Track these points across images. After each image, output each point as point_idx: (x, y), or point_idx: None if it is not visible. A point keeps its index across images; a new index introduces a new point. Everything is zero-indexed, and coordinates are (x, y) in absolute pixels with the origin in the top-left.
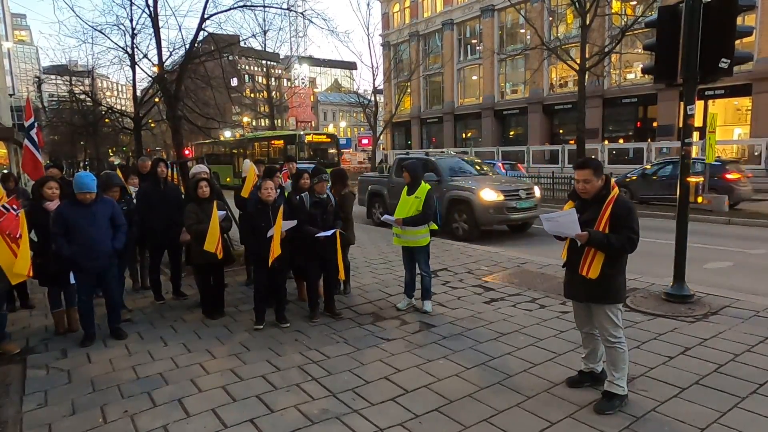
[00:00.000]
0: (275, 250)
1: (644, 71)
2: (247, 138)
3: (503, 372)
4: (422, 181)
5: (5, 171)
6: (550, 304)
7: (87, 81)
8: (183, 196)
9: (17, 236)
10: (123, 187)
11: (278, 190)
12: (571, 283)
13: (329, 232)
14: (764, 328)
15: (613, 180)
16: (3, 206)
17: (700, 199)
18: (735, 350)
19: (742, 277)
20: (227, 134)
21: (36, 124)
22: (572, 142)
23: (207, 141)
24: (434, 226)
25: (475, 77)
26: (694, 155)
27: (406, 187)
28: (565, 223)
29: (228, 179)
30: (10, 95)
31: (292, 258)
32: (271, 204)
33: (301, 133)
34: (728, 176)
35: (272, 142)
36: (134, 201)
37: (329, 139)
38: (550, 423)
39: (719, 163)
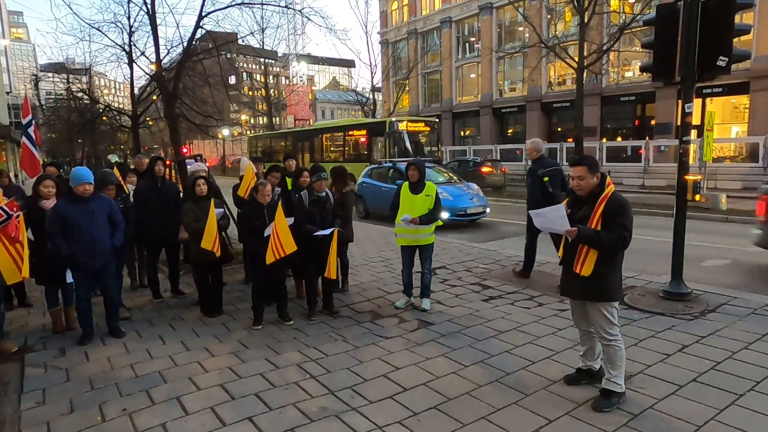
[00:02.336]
0: (289, 246)
1: (642, 69)
2: (315, 128)
3: (501, 370)
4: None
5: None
6: (549, 302)
7: (84, 79)
8: (181, 194)
9: (16, 238)
10: (119, 185)
11: (277, 190)
12: (566, 280)
13: (327, 231)
14: (761, 325)
15: (609, 178)
16: (2, 208)
17: (698, 198)
18: (732, 348)
19: (740, 274)
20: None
21: (33, 122)
22: (570, 140)
23: (263, 134)
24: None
25: (473, 75)
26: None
27: (406, 187)
28: (553, 218)
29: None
30: (7, 93)
31: (290, 256)
32: (266, 204)
33: (394, 120)
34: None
35: (350, 133)
36: (131, 199)
37: (428, 128)
38: (548, 420)
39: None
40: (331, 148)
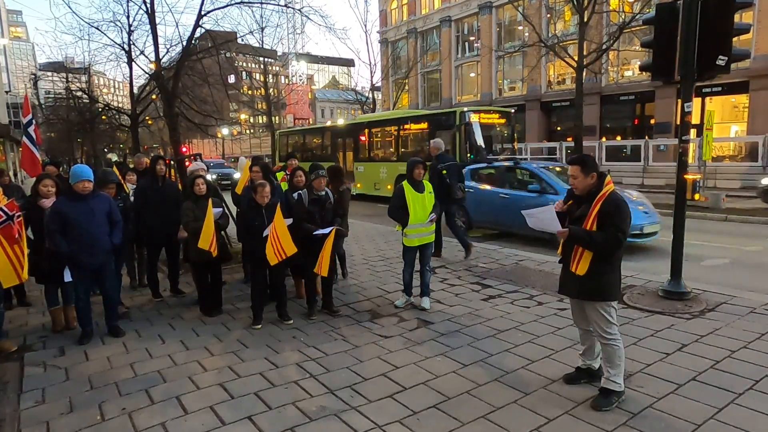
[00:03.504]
0: (289, 247)
1: (642, 68)
2: (359, 122)
3: (501, 369)
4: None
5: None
6: (548, 301)
7: (83, 78)
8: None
9: (16, 240)
10: (119, 184)
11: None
12: (564, 279)
13: (327, 230)
14: (760, 324)
15: (608, 177)
16: (1, 209)
17: (697, 197)
18: (731, 347)
19: (739, 273)
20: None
21: (33, 121)
22: (570, 139)
23: (296, 129)
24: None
25: (473, 74)
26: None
27: (409, 187)
28: (544, 219)
29: None
30: (6, 92)
31: (291, 256)
32: (265, 204)
33: (466, 110)
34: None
35: (405, 126)
36: (131, 198)
37: (503, 119)
38: (548, 419)
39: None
40: (380, 145)
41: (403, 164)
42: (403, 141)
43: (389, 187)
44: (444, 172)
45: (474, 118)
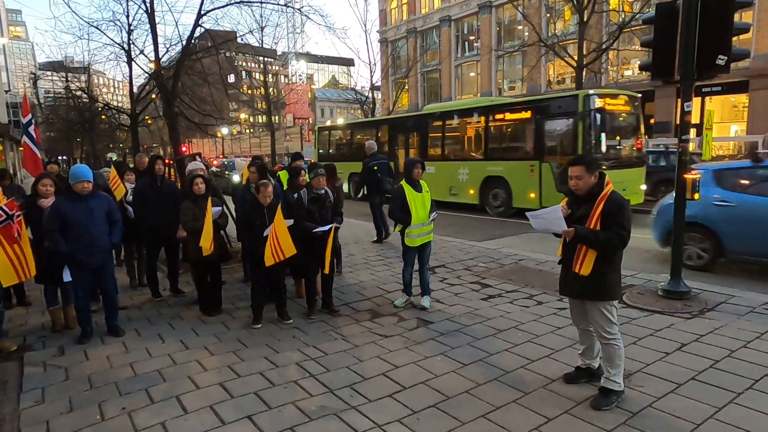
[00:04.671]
0: (288, 249)
1: (641, 68)
2: (432, 112)
3: (500, 368)
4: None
5: (1, 168)
6: (548, 301)
7: (83, 77)
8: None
9: (17, 239)
10: (107, 189)
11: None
12: (565, 279)
13: (326, 227)
14: (760, 324)
15: (608, 176)
16: (1, 208)
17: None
18: (731, 346)
19: (739, 273)
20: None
21: (33, 121)
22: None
23: (344, 123)
24: None
25: (472, 74)
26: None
27: (408, 187)
28: (550, 219)
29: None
30: (6, 91)
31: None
32: (267, 204)
33: (591, 93)
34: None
35: (497, 117)
36: (130, 196)
37: (629, 107)
38: (547, 419)
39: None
40: (459, 140)
41: (494, 164)
42: (494, 134)
43: (472, 191)
44: (375, 168)
45: (600, 102)
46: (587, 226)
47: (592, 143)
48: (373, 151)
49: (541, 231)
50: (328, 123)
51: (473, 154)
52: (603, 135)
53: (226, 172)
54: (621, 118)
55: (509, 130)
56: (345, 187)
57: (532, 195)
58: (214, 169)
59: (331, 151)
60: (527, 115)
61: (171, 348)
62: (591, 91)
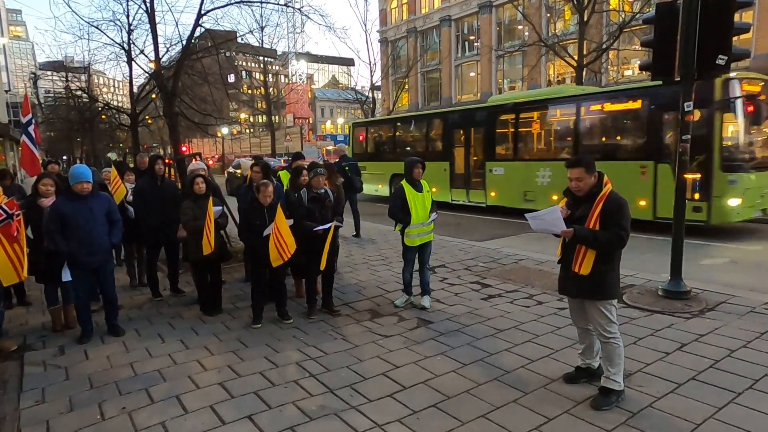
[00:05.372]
0: (291, 245)
1: (642, 68)
2: (503, 104)
3: (500, 368)
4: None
5: (2, 168)
6: (547, 301)
7: (83, 77)
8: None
9: (16, 238)
10: (102, 185)
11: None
12: (564, 279)
13: (326, 226)
14: (760, 324)
15: (606, 176)
16: (1, 207)
17: (696, 196)
18: (731, 346)
19: (739, 273)
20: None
21: (33, 121)
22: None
23: (384, 118)
24: None
25: (472, 73)
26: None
27: (408, 187)
28: (549, 220)
29: (437, 191)
30: (6, 91)
31: (293, 255)
32: (267, 204)
33: (733, 77)
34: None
35: (593, 108)
36: (130, 196)
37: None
38: (547, 419)
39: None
40: (539, 137)
41: (605, 164)
42: (588, 129)
43: (556, 197)
44: (347, 168)
45: (745, 88)
46: (587, 226)
47: (734, 139)
48: (343, 154)
49: (540, 232)
50: (359, 118)
51: (559, 153)
52: (747, 128)
53: (238, 172)
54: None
55: (611, 123)
56: (386, 191)
57: (643, 203)
58: (231, 169)
59: (368, 149)
60: (636, 105)
61: (171, 348)
62: (732, 75)
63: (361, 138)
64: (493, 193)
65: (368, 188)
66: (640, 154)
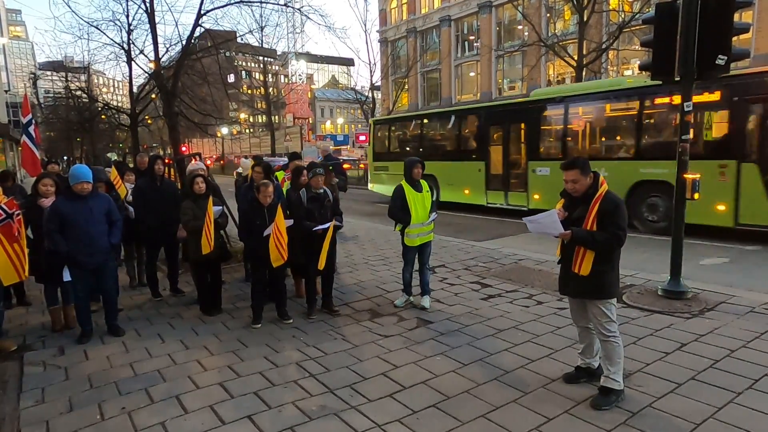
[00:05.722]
0: (283, 253)
1: (641, 68)
2: (549, 98)
3: (500, 368)
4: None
5: (4, 169)
6: (547, 301)
7: (83, 77)
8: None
9: (16, 238)
10: (110, 183)
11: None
12: (564, 279)
13: (326, 225)
14: (760, 323)
15: (602, 177)
16: (1, 207)
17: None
18: (731, 346)
19: (738, 273)
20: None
21: (33, 121)
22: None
23: (409, 114)
24: None
25: (472, 73)
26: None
27: (408, 187)
28: (546, 223)
29: (470, 193)
30: (6, 91)
31: (290, 255)
32: (267, 204)
33: None
34: (345, 166)
35: (657, 102)
36: (129, 198)
37: None
38: (547, 419)
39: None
40: (595, 135)
41: (652, 164)
42: (653, 125)
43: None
44: (331, 168)
45: None
46: (584, 227)
47: None
48: (327, 153)
49: (538, 234)
50: (378, 114)
51: (616, 152)
52: None
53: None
54: None
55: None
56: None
57: (722, 207)
58: (240, 170)
59: (391, 147)
60: (714, 97)
61: (171, 348)
62: None
63: (382, 136)
64: (536, 196)
65: (391, 189)
66: (719, 152)
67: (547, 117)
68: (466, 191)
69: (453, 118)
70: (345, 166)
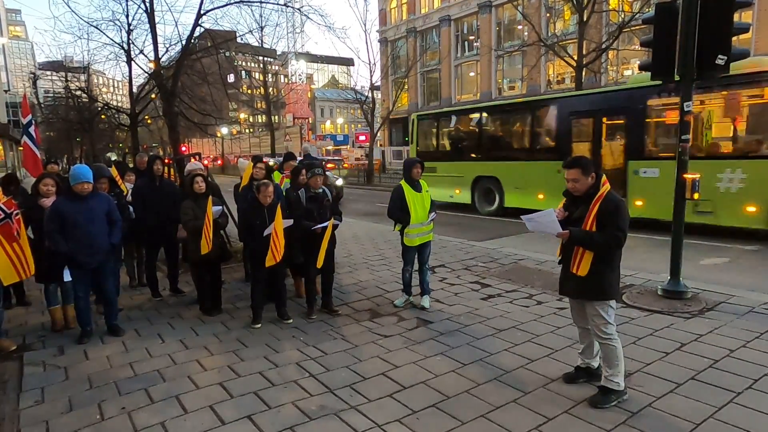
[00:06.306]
0: (276, 254)
1: (641, 68)
2: (655, 85)
3: (500, 368)
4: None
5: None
6: (547, 301)
7: (83, 77)
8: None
9: (15, 238)
10: (112, 179)
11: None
12: (564, 279)
13: (325, 224)
14: (759, 323)
15: (604, 177)
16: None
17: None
18: (730, 346)
19: (738, 273)
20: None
21: (33, 121)
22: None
23: (461, 109)
24: None
25: (472, 73)
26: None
27: (408, 187)
28: (545, 222)
29: (545, 198)
30: (6, 91)
31: (290, 255)
32: (267, 204)
33: None
34: (328, 165)
35: None
36: (129, 197)
37: None
38: (547, 419)
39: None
40: (725, 128)
41: None
42: None
43: (753, 209)
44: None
45: None
46: (584, 227)
47: None
48: (307, 153)
49: (537, 233)
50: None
51: (759, 148)
52: None
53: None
54: None
55: None
56: (466, 197)
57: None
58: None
59: (439, 146)
60: None
61: (171, 348)
62: None
63: (428, 132)
64: (639, 202)
65: (440, 194)
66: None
67: (651, 109)
68: (540, 196)
69: (523, 111)
70: (329, 165)
